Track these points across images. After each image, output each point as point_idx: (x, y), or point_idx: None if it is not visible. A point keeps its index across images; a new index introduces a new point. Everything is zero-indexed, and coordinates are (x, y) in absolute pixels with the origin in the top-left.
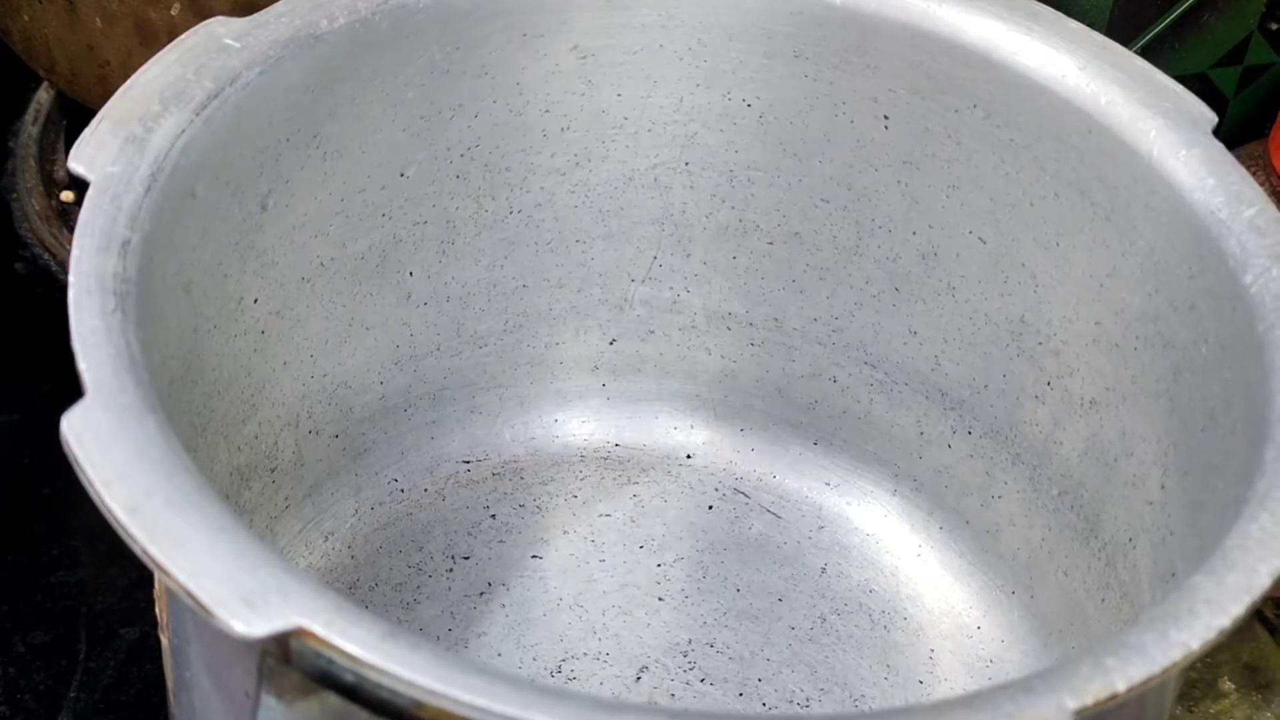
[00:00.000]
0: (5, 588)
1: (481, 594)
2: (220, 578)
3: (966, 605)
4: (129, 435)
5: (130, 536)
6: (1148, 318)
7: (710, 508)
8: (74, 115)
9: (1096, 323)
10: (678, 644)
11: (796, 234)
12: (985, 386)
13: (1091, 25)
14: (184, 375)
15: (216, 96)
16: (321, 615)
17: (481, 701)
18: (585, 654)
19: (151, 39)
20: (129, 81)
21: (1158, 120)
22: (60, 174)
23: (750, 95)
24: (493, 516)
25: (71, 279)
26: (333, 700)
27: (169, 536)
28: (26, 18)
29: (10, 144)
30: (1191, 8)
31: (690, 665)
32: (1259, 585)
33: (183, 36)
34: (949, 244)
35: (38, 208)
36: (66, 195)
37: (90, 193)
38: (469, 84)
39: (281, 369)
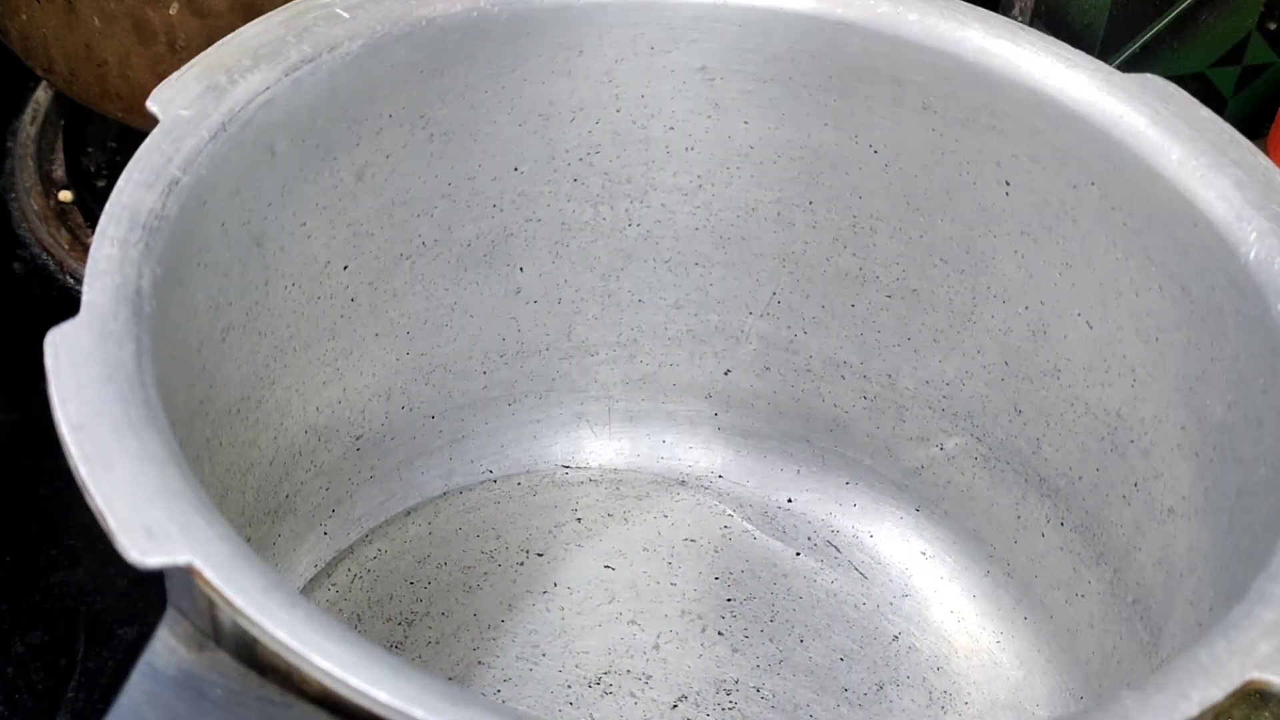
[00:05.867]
0: (3, 588)
1: (545, 592)
2: (133, 505)
3: (1034, 703)
4: (103, 358)
5: (68, 453)
6: (1225, 428)
7: (798, 554)
8: (72, 115)
9: (1182, 427)
10: (724, 681)
11: (914, 291)
12: (1080, 478)
13: (1090, 26)
14: (246, 324)
15: (311, 61)
16: (213, 557)
17: (326, 665)
18: (629, 671)
19: (150, 38)
20: (230, 35)
21: (1263, 223)
22: (58, 174)
23: (877, 142)
24: (578, 520)
25: (106, 207)
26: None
27: (101, 459)
28: (25, 17)
29: (8, 144)
30: (1190, 7)
31: (730, 705)
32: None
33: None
34: (1058, 323)
35: (36, 207)
36: (65, 195)
37: (154, 131)
38: (591, 89)
39: (373, 340)
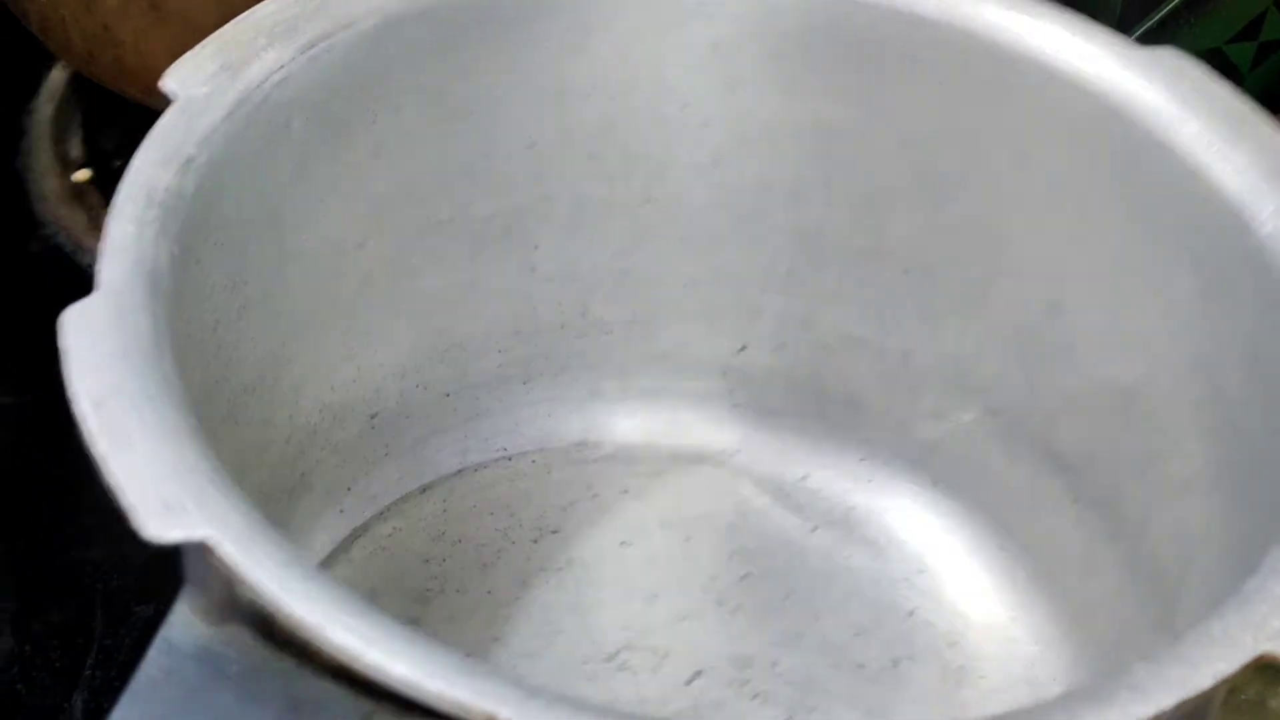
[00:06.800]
0: (20, 567)
1: (560, 569)
2: (150, 480)
3: (1049, 678)
4: (119, 334)
5: (86, 428)
6: (1240, 403)
7: (814, 530)
8: (88, 96)
9: (1197, 403)
10: (739, 657)
11: (929, 267)
12: (1094, 454)
13: (1107, 1)
14: (263, 303)
15: (327, 38)
16: (230, 531)
17: (344, 638)
18: (644, 647)
19: (165, 19)
20: (245, 13)
21: (1278, 197)
22: (75, 154)
23: (891, 118)
24: (594, 496)
25: (122, 185)
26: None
27: (120, 434)
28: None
29: (25, 124)
30: None
31: (745, 680)
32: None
33: None
34: (1073, 299)
35: (53, 187)
36: (81, 175)
37: (169, 110)
38: (605, 67)
39: (389, 318)
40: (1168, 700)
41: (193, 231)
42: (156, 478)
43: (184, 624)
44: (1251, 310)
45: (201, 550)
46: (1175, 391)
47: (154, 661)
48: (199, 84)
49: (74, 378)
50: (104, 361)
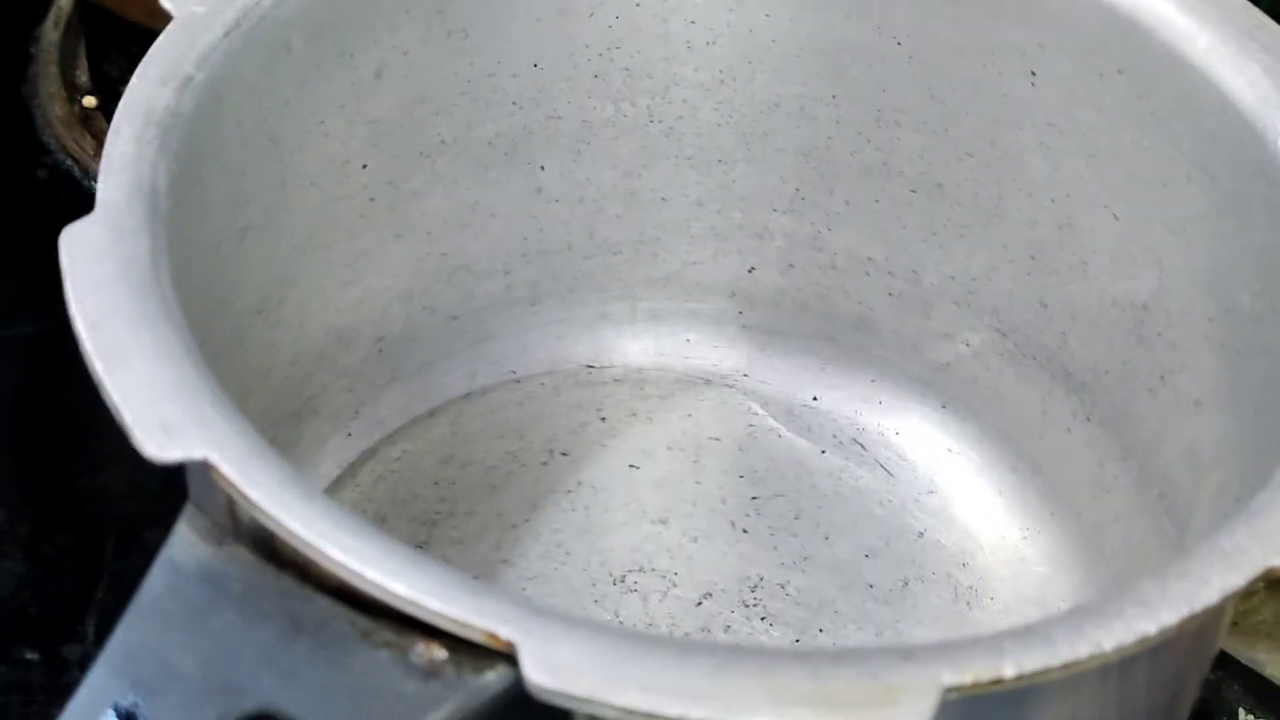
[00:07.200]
0: (31, 493)
1: (569, 491)
2: (149, 401)
3: (1059, 598)
4: (118, 255)
5: (84, 349)
6: (1252, 318)
7: (824, 452)
8: (94, 21)
9: (1209, 319)
10: (749, 579)
11: (939, 185)
12: (1106, 372)
13: None
14: (264, 224)
15: None
16: (229, 452)
17: (342, 557)
18: (654, 570)
19: None
20: None
21: None
22: (82, 79)
23: (900, 34)
24: (602, 419)
25: (120, 104)
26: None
27: (117, 355)
28: None
29: (32, 50)
30: None
31: (755, 601)
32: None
33: None
34: (1085, 216)
35: (60, 114)
36: (89, 101)
37: (168, 28)
38: None
39: (393, 240)
40: (1174, 615)
41: (192, 151)
42: (155, 398)
43: (186, 544)
44: (1264, 224)
45: (203, 470)
46: (1187, 308)
47: (156, 580)
48: (197, 2)
49: (72, 299)
50: (102, 282)
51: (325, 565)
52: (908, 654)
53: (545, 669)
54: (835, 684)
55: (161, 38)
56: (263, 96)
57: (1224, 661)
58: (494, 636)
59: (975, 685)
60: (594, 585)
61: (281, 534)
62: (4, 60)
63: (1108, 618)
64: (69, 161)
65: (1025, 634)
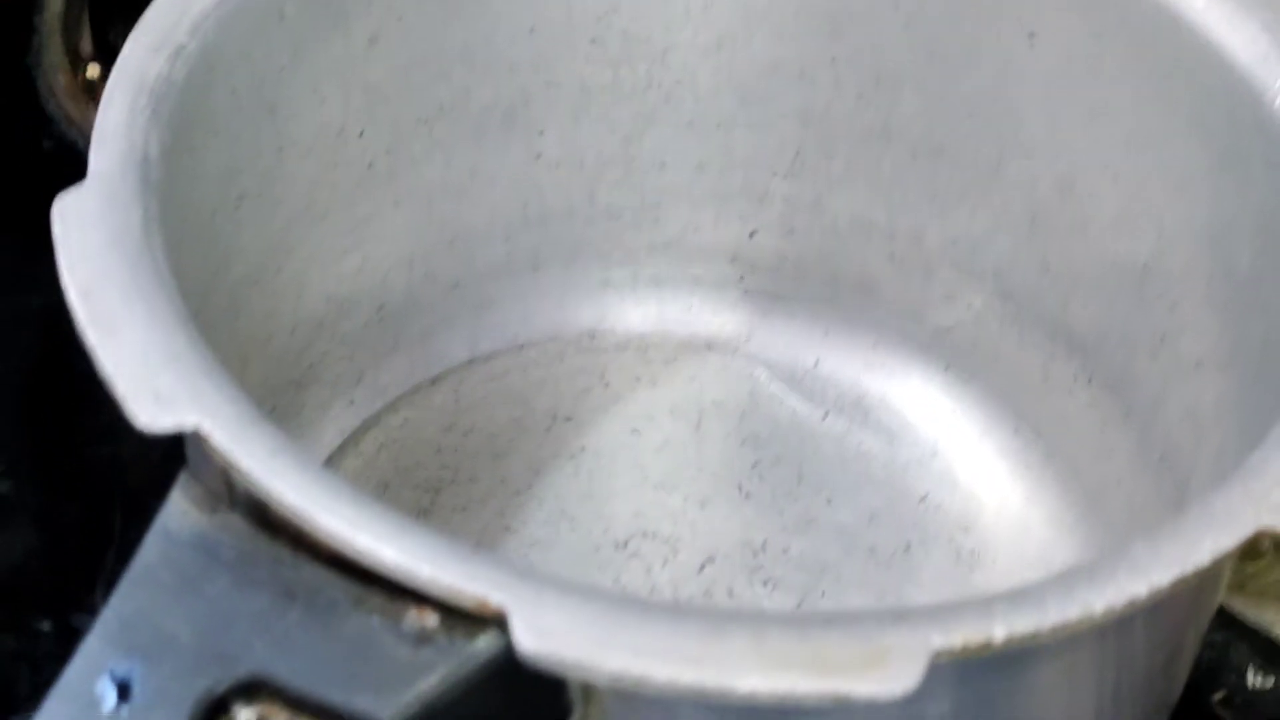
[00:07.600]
0: (41, 462)
1: (572, 457)
2: (141, 369)
3: (1061, 561)
4: (110, 223)
5: (76, 318)
6: (1252, 278)
7: (826, 416)
8: None
9: (1209, 279)
10: (751, 543)
11: (940, 147)
12: (1107, 334)
13: None
14: (260, 192)
15: None
16: (221, 420)
17: (333, 524)
18: (656, 534)
19: None
20: None
21: None
22: (86, 49)
23: None
24: (606, 385)
25: (112, 73)
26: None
27: (109, 323)
28: None
29: (35, 20)
30: None
31: (757, 566)
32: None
33: None
34: (1085, 177)
35: (64, 83)
36: (92, 70)
37: None
38: None
39: (391, 207)
40: (1165, 577)
41: (185, 119)
42: (147, 367)
43: (180, 512)
44: (1263, 183)
45: (195, 439)
46: (1187, 269)
47: (151, 548)
48: None
49: (64, 267)
50: (94, 251)
51: (316, 532)
52: (899, 617)
53: (535, 634)
54: (826, 647)
55: (154, 5)
56: (256, 64)
57: (1231, 622)
58: (484, 603)
59: (965, 648)
60: (597, 551)
61: (273, 502)
62: (7, 31)
63: (1099, 580)
64: (73, 132)
65: (1017, 596)
